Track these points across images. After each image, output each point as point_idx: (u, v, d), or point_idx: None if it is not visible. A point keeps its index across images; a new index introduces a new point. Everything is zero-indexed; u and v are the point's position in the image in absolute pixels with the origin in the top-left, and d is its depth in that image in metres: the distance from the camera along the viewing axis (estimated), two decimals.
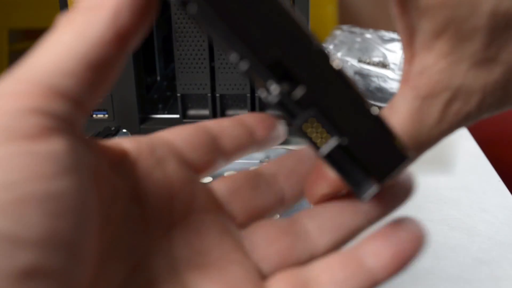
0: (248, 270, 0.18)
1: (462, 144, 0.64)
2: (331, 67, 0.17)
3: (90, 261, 0.14)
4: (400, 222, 0.18)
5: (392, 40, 0.73)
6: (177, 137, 0.19)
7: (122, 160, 0.17)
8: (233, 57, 0.17)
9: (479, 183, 0.54)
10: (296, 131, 0.18)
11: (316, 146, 0.18)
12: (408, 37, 0.18)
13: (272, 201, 0.20)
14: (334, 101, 0.17)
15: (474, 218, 0.47)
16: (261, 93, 0.18)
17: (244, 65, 0.17)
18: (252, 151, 0.21)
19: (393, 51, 0.71)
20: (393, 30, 0.78)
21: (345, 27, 0.78)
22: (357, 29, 0.76)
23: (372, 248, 0.17)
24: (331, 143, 0.18)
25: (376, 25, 0.82)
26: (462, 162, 0.59)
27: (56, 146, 0.13)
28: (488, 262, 0.41)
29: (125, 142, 0.18)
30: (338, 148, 0.18)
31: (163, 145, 0.18)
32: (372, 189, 0.18)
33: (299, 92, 0.17)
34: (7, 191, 0.12)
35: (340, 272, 0.17)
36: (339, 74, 0.17)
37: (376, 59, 0.69)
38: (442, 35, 0.17)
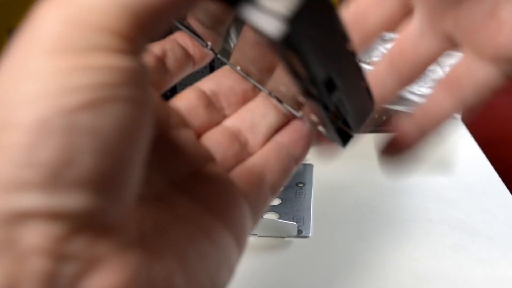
0: (224, 175, 0.21)
1: (462, 144, 0.64)
2: (350, 53, 0.18)
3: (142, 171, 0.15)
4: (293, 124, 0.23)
5: (392, 40, 0.73)
6: None
7: None
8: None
9: (479, 183, 0.54)
10: (323, 118, 0.20)
11: (331, 125, 0.21)
12: None
13: (218, 118, 0.23)
14: (350, 84, 0.19)
15: (474, 218, 0.47)
16: (301, 98, 0.19)
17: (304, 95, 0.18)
18: (192, 69, 0.25)
19: None
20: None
21: None
22: None
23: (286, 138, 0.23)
24: (340, 121, 0.20)
25: None
26: (462, 162, 0.59)
27: (133, 64, 0.14)
28: (488, 262, 0.41)
29: None
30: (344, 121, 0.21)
31: None
32: (353, 139, 0.22)
33: (335, 91, 0.18)
34: (93, 92, 0.13)
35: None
36: (353, 56, 0.18)
37: (376, 59, 0.69)
38: None
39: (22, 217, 0.12)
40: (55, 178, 0.12)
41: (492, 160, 0.59)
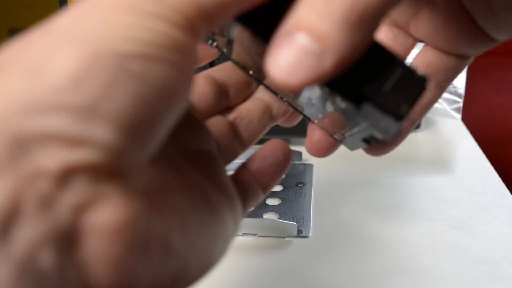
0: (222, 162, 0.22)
1: (462, 144, 0.64)
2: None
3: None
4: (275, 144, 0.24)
5: None
6: None
7: None
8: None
9: (479, 183, 0.54)
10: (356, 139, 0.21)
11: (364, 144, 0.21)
12: None
13: (224, 107, 0.24)
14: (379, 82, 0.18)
15: (474, 218, 0.47)
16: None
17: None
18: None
19: None
20: None
21: None
22: None
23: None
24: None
25: None
26: (462, 162, 0.59)
27: (186, 39, 0.15)
28: (488, 262, 0.41)
29: None
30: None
31: None
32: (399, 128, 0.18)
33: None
34: (146, 47, 0.14)
35: None
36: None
37: None
38: None
39: (42, 138, 0.12)
40: (92, 107, 0.13)
41: (492, 160, 0.59)
